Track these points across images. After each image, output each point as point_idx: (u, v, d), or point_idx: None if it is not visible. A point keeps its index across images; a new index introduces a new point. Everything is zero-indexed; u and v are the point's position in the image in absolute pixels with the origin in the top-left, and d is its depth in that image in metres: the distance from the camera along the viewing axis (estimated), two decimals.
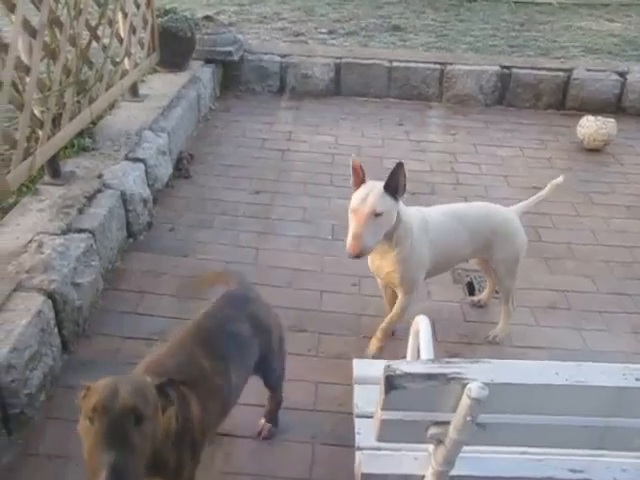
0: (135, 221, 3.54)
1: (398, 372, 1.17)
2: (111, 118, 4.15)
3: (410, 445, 1.58)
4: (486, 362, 1.20)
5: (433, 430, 1.28)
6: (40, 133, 3.12)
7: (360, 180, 2.43)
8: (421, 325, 1.87)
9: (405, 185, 2.39)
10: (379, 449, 1.67)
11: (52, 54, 3.19)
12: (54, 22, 3.19)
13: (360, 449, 1.74)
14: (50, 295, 2.64)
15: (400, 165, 2.35)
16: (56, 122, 3.25)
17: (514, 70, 5.76)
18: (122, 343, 2.88)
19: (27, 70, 2.98)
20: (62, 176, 3.37)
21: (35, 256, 2.78)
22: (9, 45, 2.82)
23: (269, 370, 2.25)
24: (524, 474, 1.51)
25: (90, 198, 3.25)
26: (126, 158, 3.68)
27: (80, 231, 3.01)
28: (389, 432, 1.30)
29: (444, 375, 1.18)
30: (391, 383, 1.18)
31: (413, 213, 2.61)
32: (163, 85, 4.80)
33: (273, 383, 2.35)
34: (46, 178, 3.35)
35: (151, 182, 3.80)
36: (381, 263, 2.66)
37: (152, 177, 3.82)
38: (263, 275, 3.36)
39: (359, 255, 2.37)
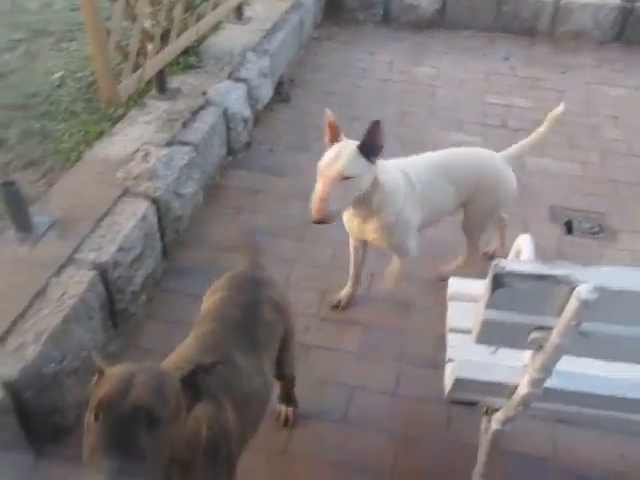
0: (235, 139, 3.60)
1: (507, 270, 1.15)
2: (216, 38, 4.19)
3: (504, 357, 1.57)
4: (598, 267, 1.17)
5: (535, 334, 1.26)
6: (150, 47, 3.19)
7: (335, 137, 2.17)
8: (524, 245, 1.83)
9: (382, 145, 2.10)
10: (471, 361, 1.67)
11: None
12: None
13: (451, 362, 1.75)
14: (154, 201, 2.74)
15: (376, 123, 2.05)
16: (164, 38, 3.31)
17: (638, 3, 5.37)
18: (218, 254, 2.97)
19: None
20: (168, 91, 3.46)
21: (141, 164, 2.89)
22: None
23: (286, 357, 1.99)
24: (619, 394, 1.48)
25: (194, 113, 3.32)
26: (229, 77, 3.73)
27: (184, 144, 3.09)
28: (490, 334, 1.29)
29: (554, 276, 1.15)
30: (498, 281, 1.16)
31: (395, 171, 2.34)
32: (267, 9, 4.78)
33: (287, 369, 2.06)
34: (153, 92, 3.44)
35: (252, 103, 3.84)
36: (364, 227, 2.41)
37: (253, 98, 3.85)
38: None
39: (323, 220, 2.12)
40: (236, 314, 1.76)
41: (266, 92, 4.09)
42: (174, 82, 3.58)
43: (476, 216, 2.69)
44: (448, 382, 1.63)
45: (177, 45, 3.43)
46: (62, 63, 3.93)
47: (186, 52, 3.76)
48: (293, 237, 3.11)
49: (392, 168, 2.33)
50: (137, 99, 3.44)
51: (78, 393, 2.14)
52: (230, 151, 3.59)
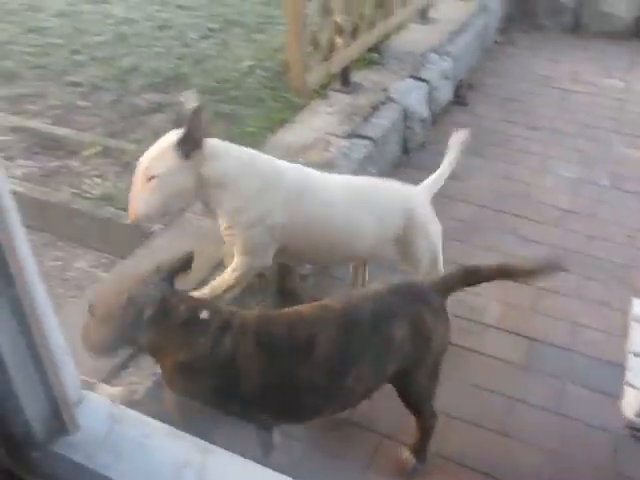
0: (411, 138, 3.62)
1: None
2: (399, 37, 4.22)
3: None
4: None
5: None
6: (339, 41, 3.29)
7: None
8: None
9: (202, 137, 1.88)
10: None
11: None
12: None
13: (631, 386, 1.66)
14: None
15: (196, 111, 1.84)
16: (353, 33, 3.39)
17: None
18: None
19: None
20: (351, 85, 3.54)
21: (322, 153, 2.98)
22: None
23: (410, 385, 1.82)
24: None
25: (374, 109, 3.38)
26: (410, 76, 3.75)
27: (363, 137, 3.15)
28: None
29: None
30: None
31: (250, 165, 2.03)
32: (452, 11, 4.74)
33: (412, 401, 1.87)
34: (336, 85, 3.53)
35: (430, 103, 3.84)
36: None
37: (432, 99, 3.85)
38: (531, 210, 3.28)
39: (137, 221, 1.97)
40: (361, 310, 1.65)
41: (445, 94, 4.07)
42: (357, 77, 3.65)
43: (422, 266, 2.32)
44: (630, 407, 1.54)
45: (365, 41, 3.50)
46: (252, 53, 4.15)
47: (370, 49, 3.83)
48: (457, 239, 3.07)
49: (243, 161, 2.01)
50: (320, 91, 3.55)
51: None
52: (405, 149, 3.61)
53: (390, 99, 3.48)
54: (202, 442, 1.07)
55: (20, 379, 0.98)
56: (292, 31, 2.89)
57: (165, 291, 1.56)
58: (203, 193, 1.99)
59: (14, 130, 3.39)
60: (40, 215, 2.82)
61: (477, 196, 3.39)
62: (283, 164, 2.12)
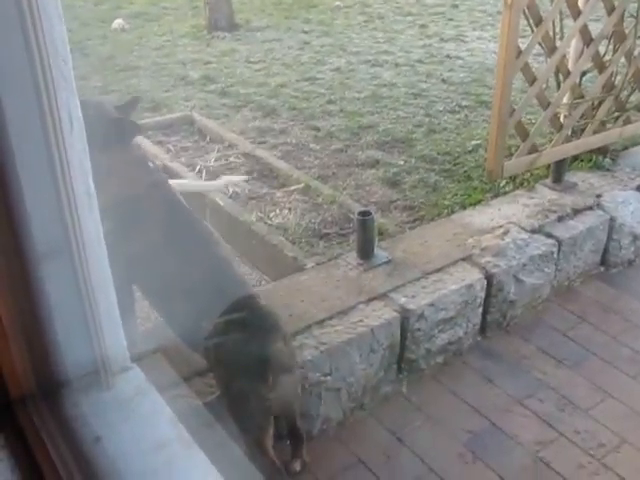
0: (614, 252, 3.34)
1: None
2: None
3: None
4: None
5: None
6: (555, 136, 3.20)
7: None
8: None
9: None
10: None
11: (599, 65, 3.20)
12: (615, 35, 3.18)
13: None
14: (488, 277, 2.76)
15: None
16: (575, 131, 3.28)
17: None
18: (532, 353, 2.82)
19: (566, 74, 3.07)
20: (563, 183, 3.39)
21: (495, 240, 2.93)
22: (558, 47, 2.97)
23: None
24: None
25: (576, 212, 3.21)
26: (637, 189, 3.47)
27: (548, 235, 3.02)
28: None
29: None
30: None
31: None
32: None
33: None
34: (547, 180, 3.43)
35: None
36: None
37: None
38: None
39: None
40: None
41: None
42: (575, 177, 3.49)
43: None
44: None
45: (587, 142, 3.35)
46: (484, 133, 4.18)
47: (603, 152, 3.64)
48: (623, 370, 2.76)
49: None
50: (530, 181, 3.48)
51: (329, 410, 2.31)
52: (604, 261, 3.35)
53: (599, 206, 3.27)
54: (189, 438, 1.20)
55: (63, 330, 1.20)
56: (495, 115, 2.91)
57: None
58: None
59: (246, 155, 3.88)
60: (228, 229, 3.20)
61: None
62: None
